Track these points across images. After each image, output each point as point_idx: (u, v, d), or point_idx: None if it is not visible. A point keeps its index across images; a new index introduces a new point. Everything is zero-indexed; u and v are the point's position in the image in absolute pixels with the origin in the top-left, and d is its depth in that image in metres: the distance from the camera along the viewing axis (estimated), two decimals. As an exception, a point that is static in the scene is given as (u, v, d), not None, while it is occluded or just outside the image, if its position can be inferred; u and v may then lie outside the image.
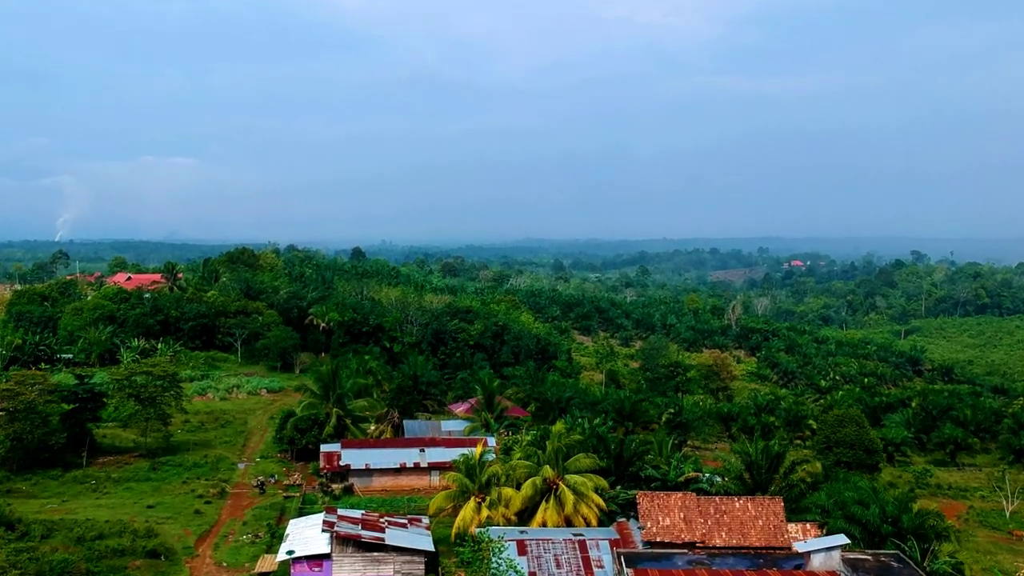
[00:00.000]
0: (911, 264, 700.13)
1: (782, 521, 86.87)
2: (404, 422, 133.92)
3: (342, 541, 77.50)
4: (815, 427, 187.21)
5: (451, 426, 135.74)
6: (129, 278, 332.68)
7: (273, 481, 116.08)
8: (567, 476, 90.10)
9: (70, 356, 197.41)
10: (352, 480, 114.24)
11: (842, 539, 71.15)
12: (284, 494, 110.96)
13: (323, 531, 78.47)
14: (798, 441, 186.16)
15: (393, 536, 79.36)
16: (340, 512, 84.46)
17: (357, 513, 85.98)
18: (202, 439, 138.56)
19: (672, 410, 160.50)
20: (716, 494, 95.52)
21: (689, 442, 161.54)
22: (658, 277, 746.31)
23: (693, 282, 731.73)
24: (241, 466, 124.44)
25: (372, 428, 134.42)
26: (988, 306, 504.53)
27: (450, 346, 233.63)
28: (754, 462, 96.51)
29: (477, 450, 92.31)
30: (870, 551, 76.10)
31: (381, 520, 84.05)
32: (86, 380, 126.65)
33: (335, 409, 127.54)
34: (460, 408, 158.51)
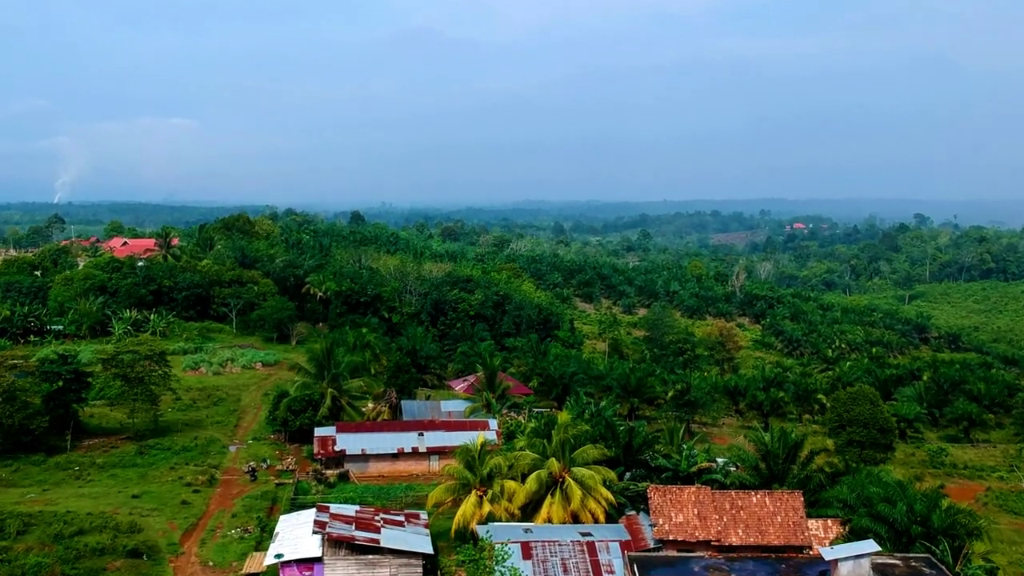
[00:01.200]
0: (915, 228, 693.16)
1: (802, 518, 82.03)
2: (402, 403, 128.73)
3: (334, 543, 72.51)
4: (825, 401, 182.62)
5: (451, 406, 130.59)
6: (125, 243, 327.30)
7: (265, 466, 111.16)
8: (574, 469, 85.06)
9: (60, 328, 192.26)
10: (347, 466, 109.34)
11: (872, 546, 66.12)
12: (276, 481, 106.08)
13: (314, 532, 73.42)
14: (807, 416, 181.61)
15: (389, 537, 74.37)
16: (333, 509, 79.36)
17: (351, 510, 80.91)
18: (193, 419, 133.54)
19: (680, 387, 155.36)
20: (731, 486, 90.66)
21: (697, 418, 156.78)
22: (660, 240, 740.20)
23: (695, 245, 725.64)
24: (232, 449, 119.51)
25: (369, 407, 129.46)
26: (993, 271, 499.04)
27: (450, 316, 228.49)
28: (770, 451, 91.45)
29: (478, 440, 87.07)
30: (899, 555, 71.10)
31: (376, 518, 79.03)
32: (70, 359, 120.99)
33: (330, 389, 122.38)
34: (460, 386, 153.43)
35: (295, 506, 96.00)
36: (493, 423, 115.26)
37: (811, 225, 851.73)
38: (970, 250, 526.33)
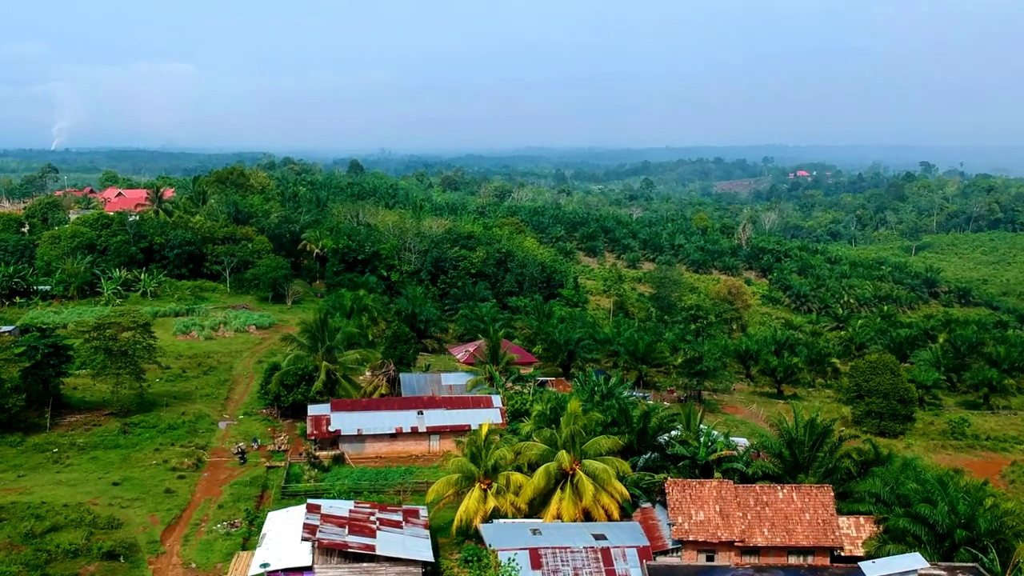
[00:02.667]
0: (921, 177, 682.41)
1: (832, 515, 75.96)
2: (401, 375, 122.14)
3: (326, 551, 66.36)
4: (838, 366, 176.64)
5: (452, 379, 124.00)
6: (119, 194, 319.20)
7: (256, 446, 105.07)
8: (585, 462, 78.73)
9: (47, 288, 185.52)
10: (343, 447, 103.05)
11: (919, 561, 60.06)
12: (267, 464, 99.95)
13: (304, 539, 67.15)
14: (820, 380, 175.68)
15: (385, 542, 68.26)
16: (324, 508, 73.10)
17: (344, 508, 74.61)
18: (182, 390, 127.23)
19: (692, 354, 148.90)
20: (753, 476, 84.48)
21: (708, 384, 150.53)
22: (662, 188, 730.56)
23: (698, 194, 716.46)
24: (223, 425, 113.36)
25: (366, 375, 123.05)
26: (1001, 221, 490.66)
27: (451, 275, 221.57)
28: (796, 439, 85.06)
29: (483, 430, 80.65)
30: (943, 565, 65.09)
31: (372, 518, 72.80)
32: (48, 332, 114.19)
33: (324, 362, 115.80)
34: (461, 354, 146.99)
35: (286, 495, 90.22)
36: (497, 399, 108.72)
37: (815, 173, 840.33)
38: (978, 200, 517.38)
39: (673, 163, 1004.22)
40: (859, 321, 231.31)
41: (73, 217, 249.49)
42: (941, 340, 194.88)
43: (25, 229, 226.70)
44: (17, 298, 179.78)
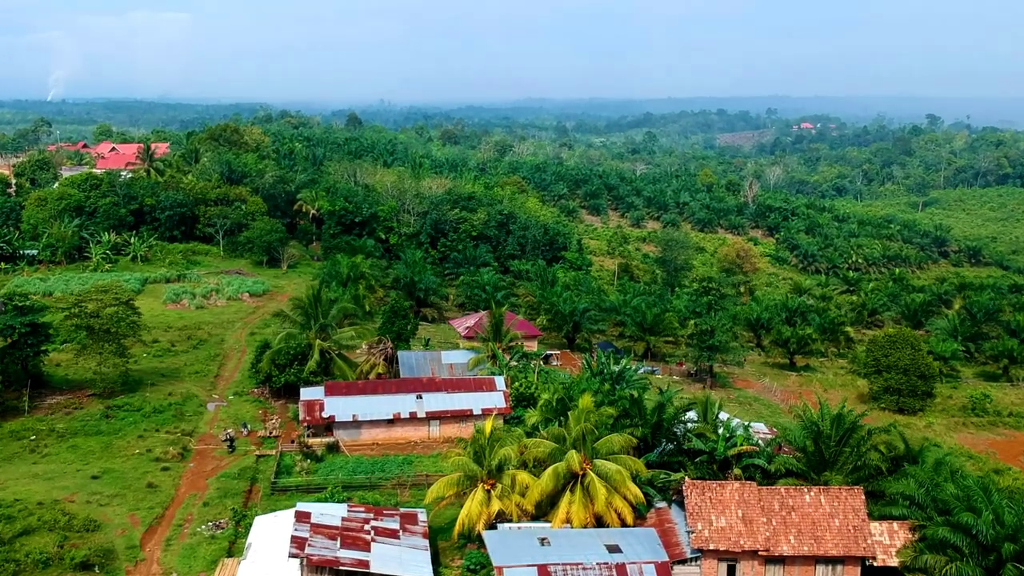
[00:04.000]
0: (927, 130, 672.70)
1: (864, 521, 70.32)
2: (399, 353, 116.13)
3: (316, 568, 60.82)
4: (851, 334, 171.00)
5: (453, 357, 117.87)
6: (113, 148, 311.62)
7: (245, 432, 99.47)
8: (597, 462, 72.97)
9: (34, 253, 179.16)
10: (337, 434, 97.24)
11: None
12: (257, 452, 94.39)
13: (291, 555, 61.53)
14: (833, 349, 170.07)
15: (380, 558, 62.79)
16: (315, 517, 67.51)
17: (337, 514, 69.00)
18: (170, 367, 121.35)
19: (703, 327, 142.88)
20: (776, 474, 78.85)
21: (718, 356, 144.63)
22: (664, 142, 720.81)
23: (701, 147, 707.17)
24: (211, 407, 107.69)
25: (363, 347, 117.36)
26: (1010, 176, 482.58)
27: (451, 238, 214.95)
28: (822, 432, 79.26)
29: (487, 427, 74.79)
30: (991, 585, 59.59)
31: (366, 528, 67.20)
32: (26, 308, 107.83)
33: (318, 341, 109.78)
34: (462, 328, 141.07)
35: (276, 489, 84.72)
36: (500, 382, 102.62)
37: (819, 125, 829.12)
38: (986, 154, 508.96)
39: (675, 115, 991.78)
40: (870, 284, 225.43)
41: (65, 174, 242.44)
42: (957, 307, 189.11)
43: (12, 190, 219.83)
44: (2, 264, 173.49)
